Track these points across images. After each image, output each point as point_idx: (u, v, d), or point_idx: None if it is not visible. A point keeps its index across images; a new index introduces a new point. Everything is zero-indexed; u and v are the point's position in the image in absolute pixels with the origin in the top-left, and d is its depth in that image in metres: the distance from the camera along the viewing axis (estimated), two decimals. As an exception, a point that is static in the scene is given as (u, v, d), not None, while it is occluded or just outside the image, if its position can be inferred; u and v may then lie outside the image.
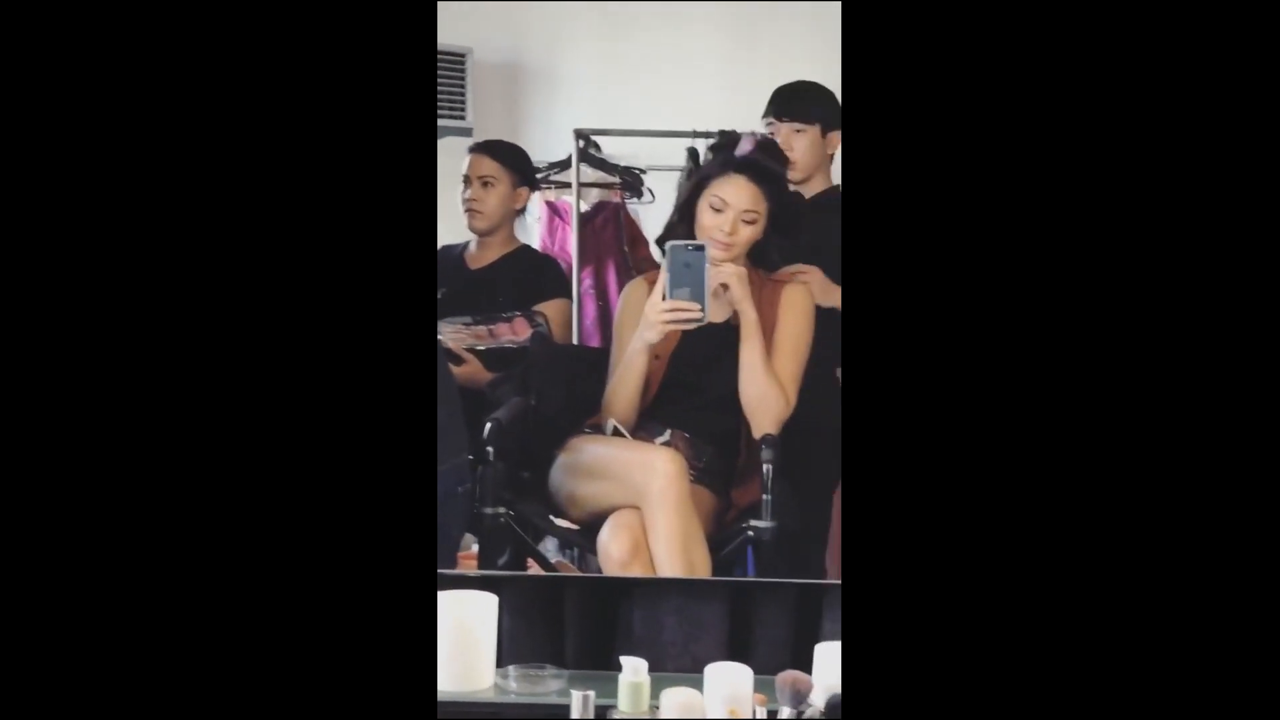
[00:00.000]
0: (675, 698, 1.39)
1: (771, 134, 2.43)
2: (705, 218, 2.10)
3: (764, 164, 2.12)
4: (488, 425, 2.05)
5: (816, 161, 2.47)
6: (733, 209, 2.08)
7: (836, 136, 2.47)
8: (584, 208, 3.17)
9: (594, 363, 2.28)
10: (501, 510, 2.04)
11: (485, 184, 2.57)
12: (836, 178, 2.52)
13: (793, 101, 2.47)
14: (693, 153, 3.00)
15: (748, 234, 2.09)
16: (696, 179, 2.18)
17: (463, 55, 3.50)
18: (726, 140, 2.36)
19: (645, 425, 2.13)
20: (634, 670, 1.40)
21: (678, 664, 1.56)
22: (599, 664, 1.56)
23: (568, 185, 3.17)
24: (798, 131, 2.44)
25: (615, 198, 3.18)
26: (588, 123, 3.22)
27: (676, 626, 1.59)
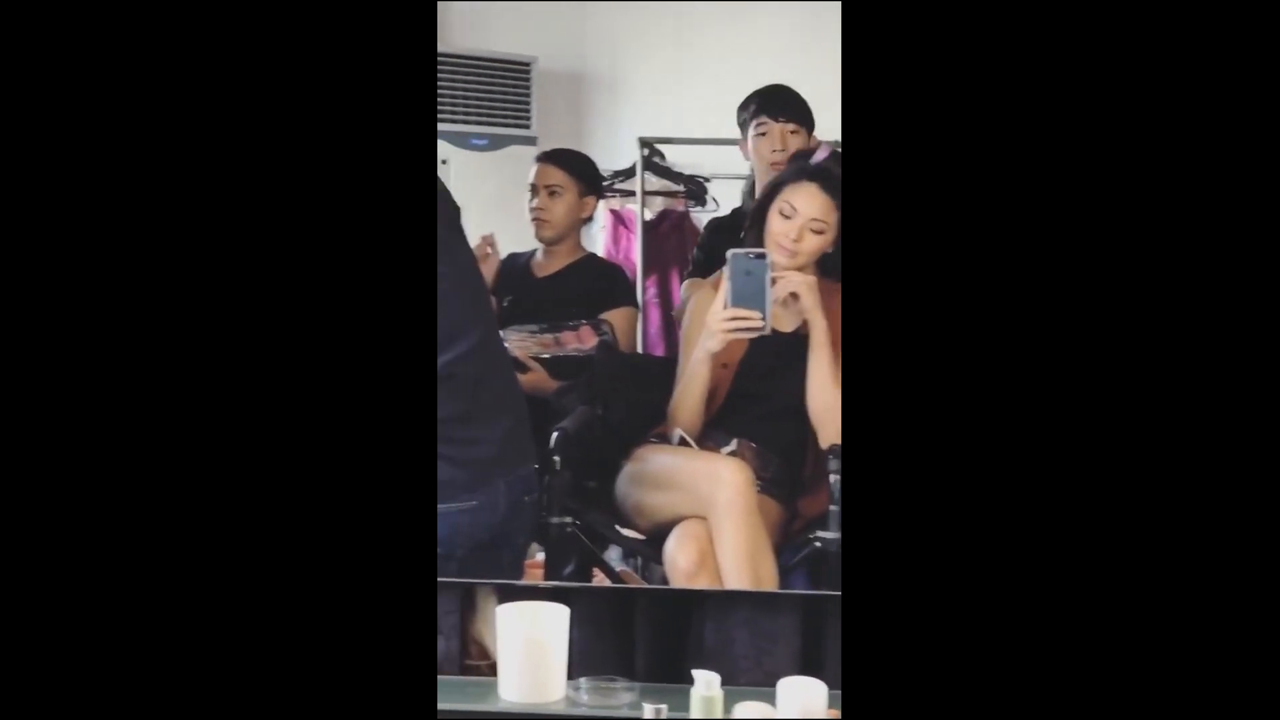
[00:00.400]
0: (748, 712, 1.39)
1: (763, 133, 2.45)
2: (774, 223, 2.09)
3: (838, 175, 2.10)
4: (554, 434, 2.05)
5: None
6: (801, 216, 2.06)
7: (815, 139, 2.48)
8: (648, 216, 3.17)
9: (660, 372, 2.28)
10: (568, 520, 2.04)
11: (552, 193, 2.58)
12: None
13: (785, 103, 2.49)
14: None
15: (815, 243, 2.07)
16: (771, 184, 2.17)
17: (528, 64, 3.53)
18: (804, 148, 2.36)
19: (711, 435, 2.12)
20: (706, 684, 1.39)
21: (749, 678, 1.55)
22: (669, 677, 1.55)
23: (632, 194, 3.18)
24: (793, 133, 2.46)
25: (679, 206, 3.18)
26: (652, 131, 3.23)
27: (748, 640, 1.57)
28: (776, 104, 2.48)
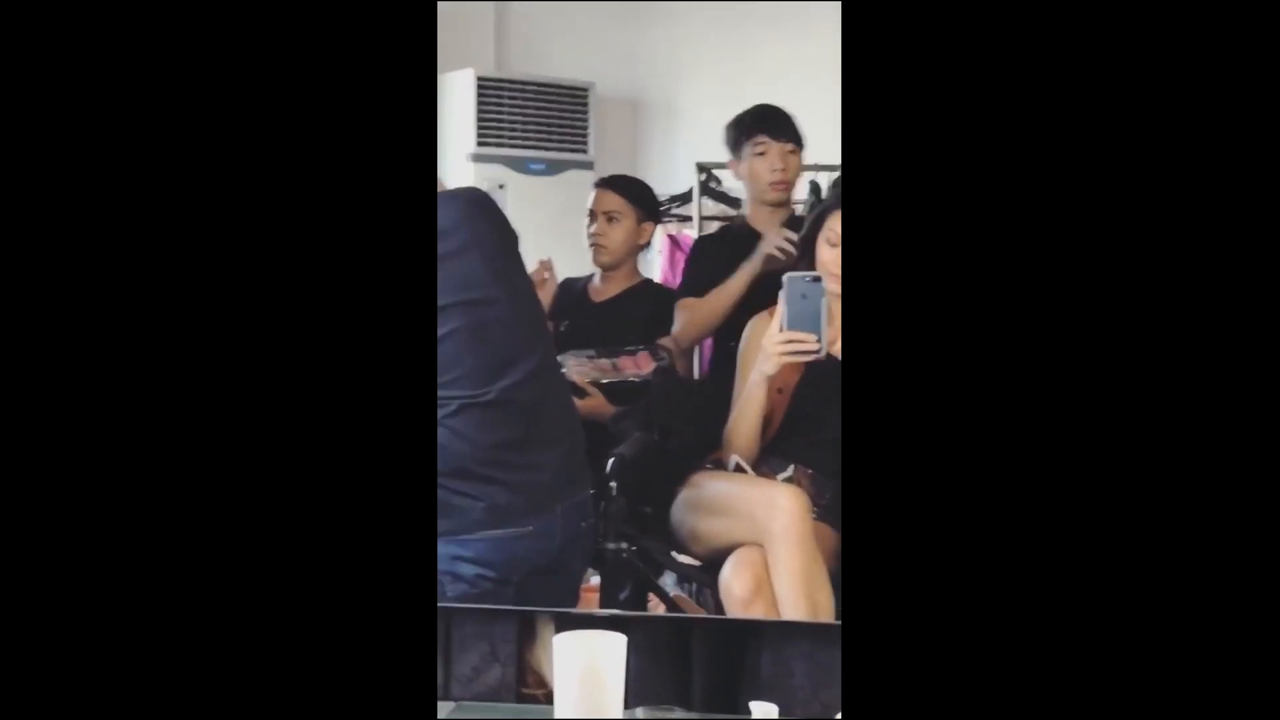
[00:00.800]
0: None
1: (762, 153, 2.47)
2: (823, 252, 2.09)
3: None
4: (611, 460, 2.05)
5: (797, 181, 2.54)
6: None
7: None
8: (705, 241, 3.17)
9: (717, 397, 2.27)
10: (624, 545, 2.04)
11: (610, 219, 2.59)
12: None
13: (782, 123, 2.50)
14: (814, 186, 2.99)
15: None
16: (816, 213, 2.17)
17: (585, 90, 3.55)
18: (840, 176, 2.37)
19: (768, 461, 2.11)
20: (764, 714, 1.39)
21: (807, 709, 1.54)
22: (726, 707, 1.54)
23: (689, 218, 3.18)
24: (791, 153, 2.48)
25: (736, 230, 3.18)
26: (709, 156, 3.23)
27: (805, 670, 1.57)
28: (774, 124, 2.49)
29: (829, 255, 2.07)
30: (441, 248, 1.76)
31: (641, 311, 2.56)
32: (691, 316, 2.46)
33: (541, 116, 3.53)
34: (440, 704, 1.54)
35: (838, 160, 2.80)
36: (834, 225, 2.08)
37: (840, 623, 1.84)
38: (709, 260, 2.54)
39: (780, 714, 1.40)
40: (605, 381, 2.44)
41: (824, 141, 2.78)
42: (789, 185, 2.51)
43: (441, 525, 1.69)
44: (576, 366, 2.44)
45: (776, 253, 2.29)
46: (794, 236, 2.25)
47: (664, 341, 2.49)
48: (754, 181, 2.52)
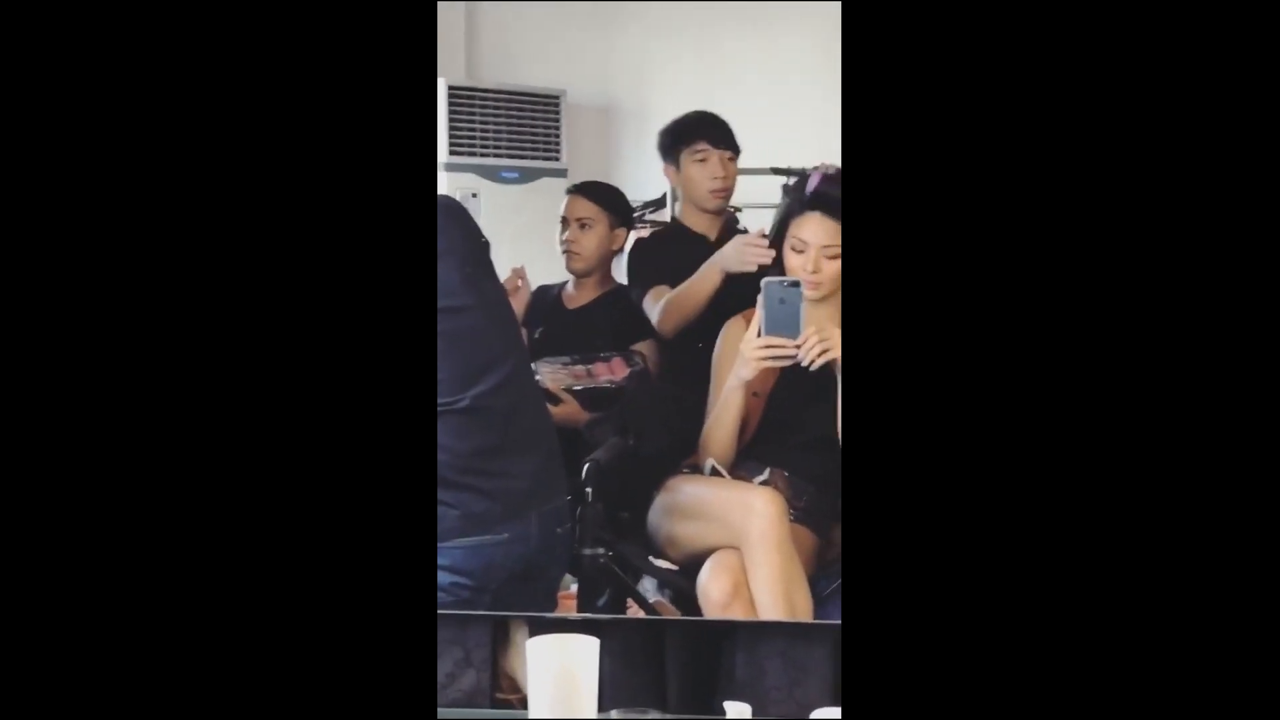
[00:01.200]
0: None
1: (702, 160, 2.49)
2: (791, 260, 2.09)
3: (835, 196, 2.08)
4: (586, 466, 2.05)
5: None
6: (813, 247, 2.06)
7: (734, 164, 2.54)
8: (678, 246, 3.17)
9: (692, 401, 2.27)
10: (601, 551, 2.04)
11: (583, 225, 2.59)
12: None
13: (720, 130, 2.52)
14: (788, 189, 2.99)
15: (834, 268, 2.06)
16: (777, 220, 2.17)
17: (556, 97, 3.56)
18: (797, 180, 2.36)
19: (744, 464, 2.11)
20: (738, 714, 1.38)
21: (781, 709, 1.54)
22: (700, 708, 1.54)
23: (662, 223, 3.18)
24: (730, 160, 2.50)
25: (710, 236, 3.17)
26: (682, 161, 3.23)
27: (780, 670, 1.57)
28: (714, 131, 2.51)
29: (795, 262, 2.08)
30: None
31: (615, 317, 2.56)
32: (672, 303, 2.41)
33: (513, 124, 3.53)
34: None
35: (806, 164, 2.80)
36: (796, 232, 2.08)
37: (813, 621, 1.85)
38: (654, 258, 2.53)
39: (755, 713, 1.40)
40: (580, 388, 2.44)
41: (798, 145, 2.79)
42: (729, 193, 2.53)
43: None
44: (551, 373, 2.44)
45: (750, 263, 2.25)
46: (761, 242, 2.23)
47: (638, 347, 2.49)
48: (692, 188, 2.53)
